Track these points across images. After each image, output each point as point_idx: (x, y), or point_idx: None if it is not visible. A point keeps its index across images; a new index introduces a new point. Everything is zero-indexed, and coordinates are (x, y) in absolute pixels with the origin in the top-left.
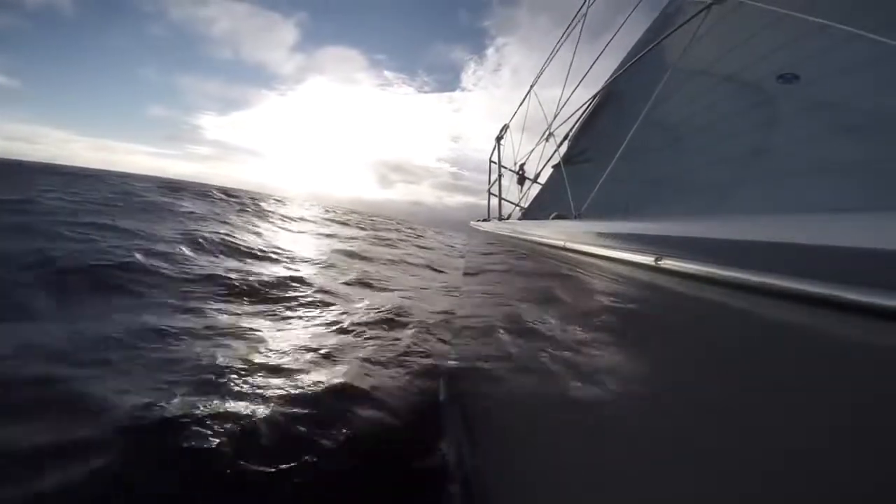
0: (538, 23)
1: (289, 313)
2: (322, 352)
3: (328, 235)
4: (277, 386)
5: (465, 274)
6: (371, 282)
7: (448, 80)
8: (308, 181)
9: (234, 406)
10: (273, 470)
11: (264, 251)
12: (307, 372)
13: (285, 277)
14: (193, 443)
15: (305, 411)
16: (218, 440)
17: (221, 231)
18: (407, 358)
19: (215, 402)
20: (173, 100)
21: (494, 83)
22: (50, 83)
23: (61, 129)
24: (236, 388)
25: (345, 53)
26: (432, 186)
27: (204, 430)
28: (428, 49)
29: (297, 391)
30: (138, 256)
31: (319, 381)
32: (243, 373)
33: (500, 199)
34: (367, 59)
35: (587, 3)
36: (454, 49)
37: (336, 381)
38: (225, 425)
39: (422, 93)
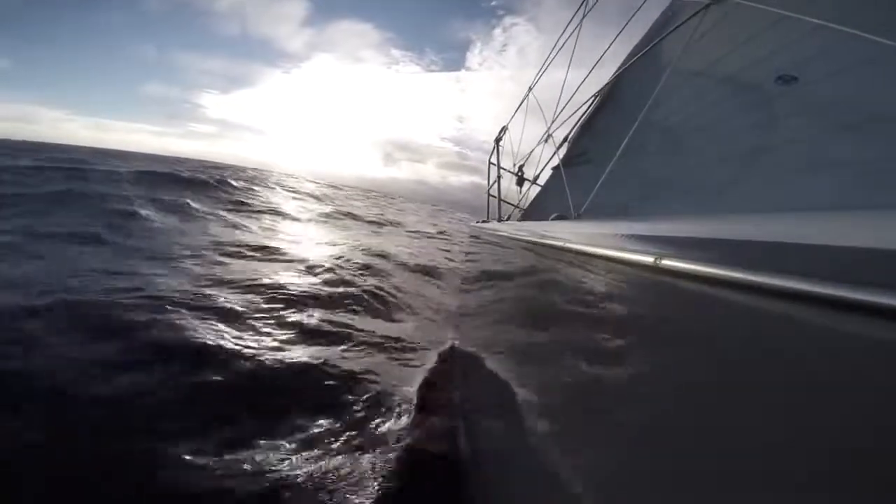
0: (546, 2)
1: None
2: None
3: None
4: None
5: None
6: None
7: (455, 58)
8: (311, 159)
9: None
10: None
11: None
12: None
13: None
14: None
15: None
16: None
17: None
18: None
19: None
20: (174, 78)
21: (500, 63)
22: (42, 62)
23: (56, 108)
24: None
25: (357, 28)
26: (437, 166)
27: None
28: (436, 27)
29: None
30: None
31: None
32: None
33: (500, 200)
34: (379, 34)
35: (585, 4)
36: (463, 27)
37: None
38: None
39: (429, 72)
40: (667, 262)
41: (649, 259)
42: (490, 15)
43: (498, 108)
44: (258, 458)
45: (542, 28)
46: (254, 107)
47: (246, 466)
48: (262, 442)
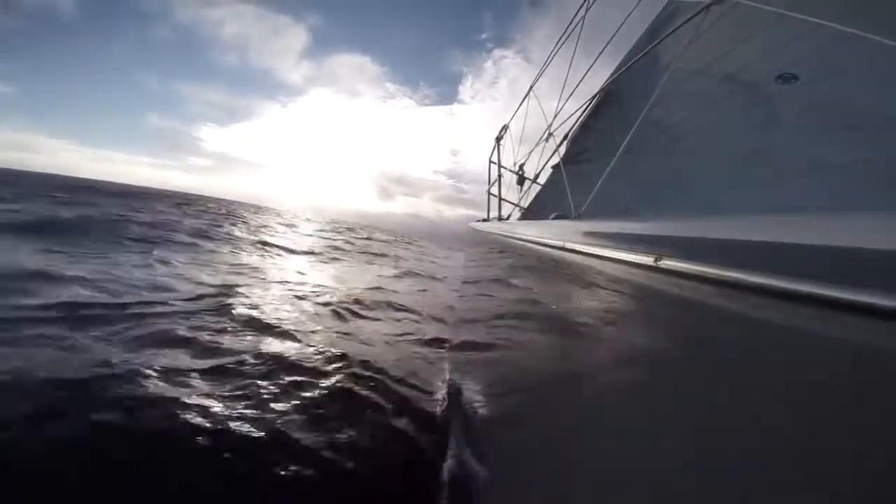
0: (534, 36)
1: None
2: None
3: None
4: None
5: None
6: None
7: (448, 92)
8: (308, 193)
9: None
10: None
11: None
12: None
13: None
14: None
15: None
16: None
17: None
18: None
19: None
20: (175, 110)
21: (492, 96)
22: (48, 90)
23: (59, 138)
24: None
25: (354, 61)
26: (433, 199)
27: None
28: (429, 61)
29: None
30: None
31: None
32: None
33: (500, 199)
34: (375, 68)
35: (586, 4)
36: (455, 61)
37: None
38: None
39: (422, 105)
40: (667, 262)
41: (649, 259)
42: (480, 48)
43: (492, 141)
44: None
45: (530, 60)
46: (251, 140)
47: None
48: None
